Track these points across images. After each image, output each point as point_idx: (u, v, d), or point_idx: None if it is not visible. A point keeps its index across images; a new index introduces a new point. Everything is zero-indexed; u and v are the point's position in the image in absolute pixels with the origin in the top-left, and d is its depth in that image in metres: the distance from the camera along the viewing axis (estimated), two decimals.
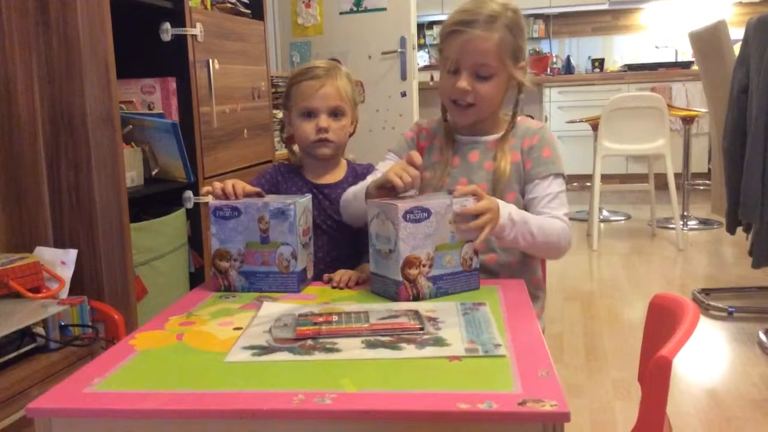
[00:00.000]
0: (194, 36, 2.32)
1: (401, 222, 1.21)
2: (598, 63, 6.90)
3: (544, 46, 7.10)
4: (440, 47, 1.49)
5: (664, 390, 0.91)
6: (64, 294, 1.78)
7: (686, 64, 6.40)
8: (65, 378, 0.92)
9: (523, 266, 1.50)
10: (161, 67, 2.30)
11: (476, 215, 1.27)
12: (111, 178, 1.90)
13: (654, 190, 4.61)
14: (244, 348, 1.01)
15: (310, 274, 1.39)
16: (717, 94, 3.21)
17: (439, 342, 1.01)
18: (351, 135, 1.64)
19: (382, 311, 1.16)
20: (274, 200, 1.33)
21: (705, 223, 4.78)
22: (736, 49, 2.77)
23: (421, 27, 7.01)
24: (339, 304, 1.24)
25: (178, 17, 2.28)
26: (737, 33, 2.81)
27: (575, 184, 6.01)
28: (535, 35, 7.07)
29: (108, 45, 1.86)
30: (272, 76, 3.18)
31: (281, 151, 3.24)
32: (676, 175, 4.27)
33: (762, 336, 2.65)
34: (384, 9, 4.47)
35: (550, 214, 1.43)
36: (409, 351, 0.98)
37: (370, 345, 1.01)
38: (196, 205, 2.33)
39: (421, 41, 7.05)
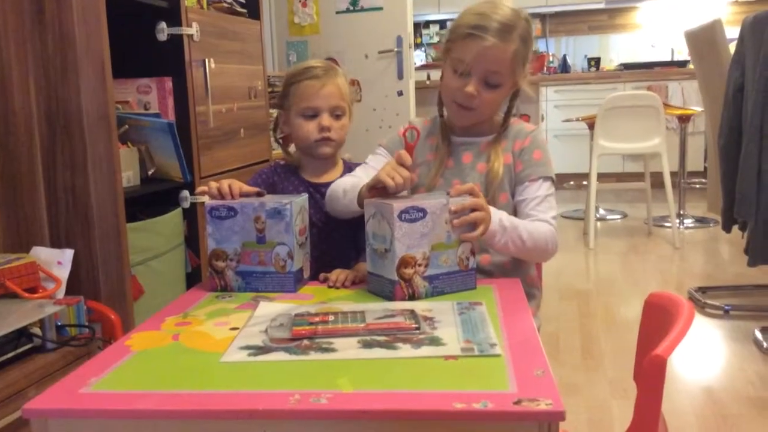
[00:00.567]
0: (190, 35, 2.31)
1: (396, 221, 1.21)
2: (595, 62, 6.91)
3: (540, 45, 7.11)
4: (449, 46, 1.47)
5: (659, 388, 0.92)
6: (60, 294, 1.78)
7: (682, 63, 6.41)
8: (61, 378, 0.92)
9: (516, 266, 1.50)
10: (157, 67, 2.29)
11: (471, 210, 1.27)
12: (107, 177, 1.89)
13: (650, 188, 4.62)
14: (241, 348, 1.01)
15: (306, 273, 1.39)
16: (713, 92, 3.21)
17: (435, 341, 1.02)
18: None
19: (378, 311, 1.16)
20: (270, 200, 1.34)
21: (701, 221, 4.79)
22: (732, 47, 2.77)
23: (418, 26, 7.01)
24: (335, 303, 1.24)
25: (174, 17, 2.28)
26: (733, 32, 2.82)
27: (572, 182, 6.02)
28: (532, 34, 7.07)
29: (104, 45, 1.86)
30: (269, 76, 3.17)
31: (278, 151, 3.24)
32: (673, 174, 4.28)
33: (758, 334, 2.66)
34: (380, 8, 4.48)
35: (538, 217, 1.44)
36: (405, 351, 0.99)
37: (367, 345, 1.01)
38: (193, 204, 2.33)
39: (418, 40, 7.05)
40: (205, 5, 2.60)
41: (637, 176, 5.31)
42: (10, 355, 1.53)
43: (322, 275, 1.40)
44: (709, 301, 3.05)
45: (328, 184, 1.58)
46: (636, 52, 6.89)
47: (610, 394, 2.25)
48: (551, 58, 7.06)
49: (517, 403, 0.81)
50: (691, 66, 5.80)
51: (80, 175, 1.90)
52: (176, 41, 2.28)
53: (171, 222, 2.22)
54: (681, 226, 4.65)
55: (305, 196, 1.41)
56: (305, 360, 0.96)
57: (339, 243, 1.55)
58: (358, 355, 0.98)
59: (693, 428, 2.03)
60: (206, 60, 2.40)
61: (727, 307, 2.97)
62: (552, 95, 6.45)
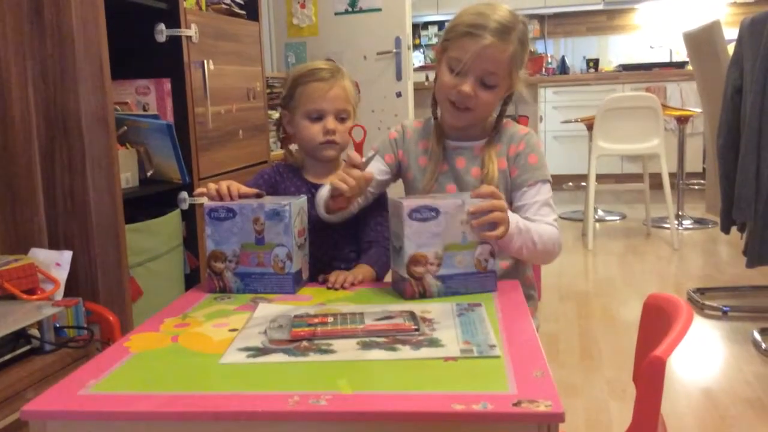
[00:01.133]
0: (189, 37, 2.31)
1: (406, 220, 1.22)
2: (593, 63, 6.92)
3: (539, 46, 7.11)
4: (445, 45, 1.47)
5: (659, 390, 0.92)
6: (59, 295, 1.78)
7: (681, 64, 6.41)
8: (60, 380, 0.92)
9: (514, 267, 1.51)
10: (156, 68, 2.29)
11: (490, 211, 1.27)
12: (106, 179, 1.89)
13: (649, 189, 4.62)
14: (240, 349, 1.01)
15: (305, 275, 1.39)
16: (711, 94, 3.22)
17: (434, 343, 1.02)
18: None
19: (377, 312, 1.16)
20: (269, 201, 1.34)
21: (700, 222, 4.79)
22: (731, 49, 2.77)
23: (416, 27, 7.01)
24: (334, 305, 1.24)
25: (172, 18, 2.28)
26: (731, 33, 2.82)
27: (570, 183, 6.03)
28: (530, 35, 7.06)
29: (102, 46, 1.86)
30: (267, 77, 3.17)
31: (276, 152, 3.24)
32: (671, 175, 4.28)
33: (756, 335, 2.66)
34: (379, 9, 4.48)
35: (541, 221, 1.44)
36: (405, 352, 0.99)
37: (366, 346, 1.01)
38: (191, 206, 2.33)
39: (417, 41, 7.06)
40: (203, 7, 2.60)
41: (636, 177, 5.31)
42: (8, 356, 1.53)
43: (321, 276, 1.40)
44: (708, 302, 3.05)
45: None
46: (634, 54, 6.90)
47: (609, 395, 2.25)
48: (550, 60, 7.06)
49: (517, 404, 0.81)
50: (689, 67, 5.80)
51: (79, 176, 1.90)
52: (175, 42, 2.28)
53: (169, 223, 2.22)
54: (680, 227, 4.65)
55: (304, 198, 1.41)
56: (304, 361, 0.96)
57: (339, 244, 1.55)
58: (358, 357, 0.97)
59: (691, 429, 2.03)
60: (205, 61, 2.40)
61: (725, 308, 2.97)
62: (550, 96, 6.45)
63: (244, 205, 1.32)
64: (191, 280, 2.35)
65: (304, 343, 1.03)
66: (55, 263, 1.84)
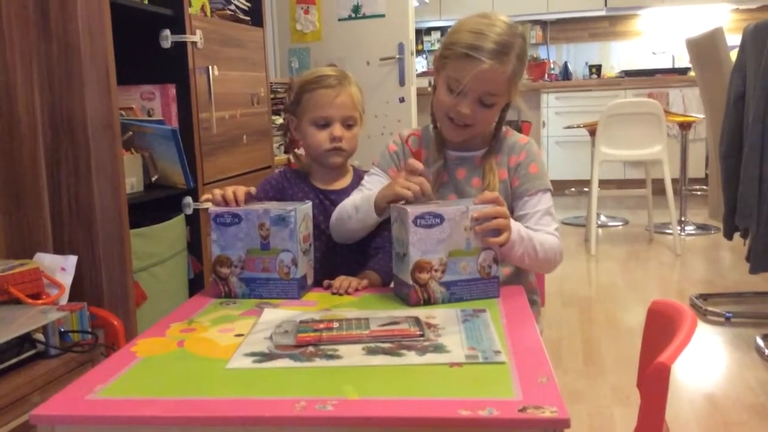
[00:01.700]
0: (194, 43, 2.33)
1: (411, 227, 1.23)
2: (596, 69, 6.93)
3: (541, 52, 7.12)
4: (443, 62, 1.45)
5: (663, 396, 0.92)
6: (63, 300, 1.78)
7: (683, 71, 6.42)
8: (65, 384, 0.93)
9: (517, 273, 1.51)
10: (161, 74, 2.30)
11: (493, 218, 1.28)
12: (111, 184, 1.90)
13: (651, 195, 4.62)
14: (246, 355, 1.02)
15: (310, 280, 1.40)
16: (714, 100, 3.22)
17: (439, 348, 1.02)
18: None
19: (382, 318, 1.16)
20: (274, 207, 1.34)
21: (702, 228, 4.79)
22: (733, 55, 2.78)
23: (419, 33, 7.03)
24: (339, 310, 1.24)
25: (178, 24, 2.29)
26: (734, 39, 2.83)
27: (573, 189, 6.03)
28: (533, 41, 7.09)
29: (108, 52, 1.87)
30: (271, 83, 3.18)
31: (280, 157, 3.26)
32: (674, 181, 4.29)
33: (759, 341, 2.66)
34: (382, 15, 4.49)
35: (543, 230, 1.44)
36: (410, 357, 0.99)
37: (371, 352, 1.02)
38: (196, 211, 2.33)
39: (420, 47, 7.08)
40: (208, 13, 2.62)
41: (639, 183, 5.32)
42: (13, 361, 1.53)
43: (325, 282, 1.41)
44: (711, 308, 3.05)
45: (337, 191, 1.59)
46: (637, 60, 6.91)
47: (612, 401, 2.25)
48: (552, 65, 7.07)
49: (522, 410, 0.81)
50: (692, 73, 5.82)
51: (84, 181, 1.91)
52: (180, 48, 2.30)
53: (174, 228, 2.23)
54: (682, 233, 4.65)
55: (309, 204, 1.41)
56: (310, 367, 0.97)
57: (346, 250, 1.55)
58: (363, 362, 0.98)
59: None
60: (210, 67, 2.41)
61: (728, 315, 2.97)
62: (553, 102, 6.46)
63: (250, 211, 1.33)
64: (195, 285, 2.36)
65: (310, 349, 1.03)
66: (60, 268, 1.85)
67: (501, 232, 1.28)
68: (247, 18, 2.88)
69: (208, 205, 1.39)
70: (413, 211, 1.23)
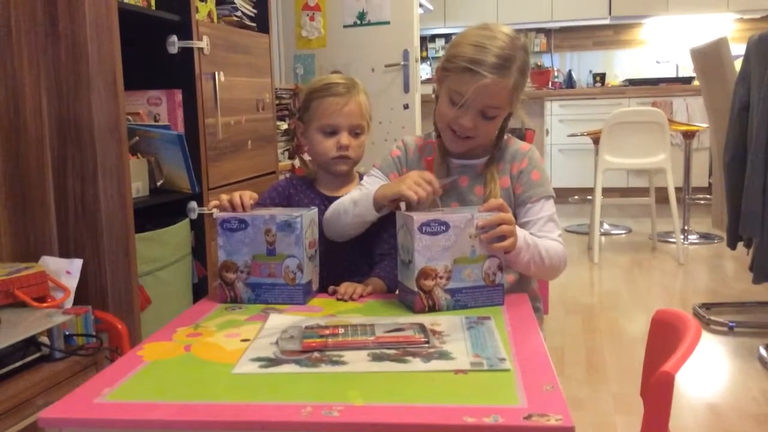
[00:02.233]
0: (201, 49, 2.34)
1: (417, 234, 1.23)
2: (600, 77, 6.94)
3: (545, 60, 7.14)
4: (445, 74, 1.45)
5: (667, 405, 0.92)
6: (68, 303, 1.79)
7: (687, 80, 6.43)
8: (69, 387, 0.94)
9: (519, 280, 1.51)
10: (168, 79, 2.32)
11: (498, 225, 1.28)
12: (117, 188, 1.91)
13: (655, 203, 4.63)
14: (252, 360, 1.02)
15: (315, 286, 1.41)
16: (718, 110, 3.23)
17: (444, 355, 1.03)
18: None
19: (387, 324, 1.17)
20: (280, 213, 1.35)
21: (705, 237, 4.79)
22: (737, 64, 2.79)
23: (424, 40, 7.05)
24: (344, 316, 1.25)
25: (185, 30, 2.30)
26: (738, 48, 2.84)
27: (576, 197, 6.03)
28: (537, 49, 7.11)
29: (116, 57, 1.88)
30: (276, 89, 3.20)
31: (284, 162, 3.26)
32: (677, 189, 4.29)
33: (762, 351, 2.66)
34: (387, 22, 4.50)
35: (547, 237, 1.45)
36: (415, 364, 1.00)
37: (376, 358, 1.02)
38: (200, 215, 2.34)
39: (424, 54, 7.09)
40: (215, 19, 2.63)
41: (642, 191, 5.32)
42: (18, 364, 1.54)
43: (331, 288, 1.41)
44: (714, 318, 3.04)
45: None
46: (641, 68, 6.92)
47: (615, 409, 2.25)
48: (556, 73, 7.09)
49: (528, 417, 0.81)
50: (695, 82, 5.82)
51: (90, 185, 1.91)
52: (187, 54, 2.31)
53: (179, 233, 2.24)
54: (685, 242, 4.65)
55: (315, 210, 1.42)
56: (316, 372, 0.97)
57: (352, 256, 1.56)
58: (369, 368, 0.98)
59: None
60: (216, 73, 2.43)
61: (731, 324, 2.97)
62: (557, 110, 6.47)
63: (256, 217, 1.33)
64: (199, 290, 2.37)
65: (316, 354, 1.04)
66: (66, 271, 1.86)
67: (506, 238, 1.29)
68: (253, 24, 2.90)
69: (215, 210, 1.40)
70: (419, 218, 1.24)
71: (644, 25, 6.92)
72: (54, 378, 1.56)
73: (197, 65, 2.33)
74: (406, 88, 4.55)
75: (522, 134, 2.56)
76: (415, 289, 1.25)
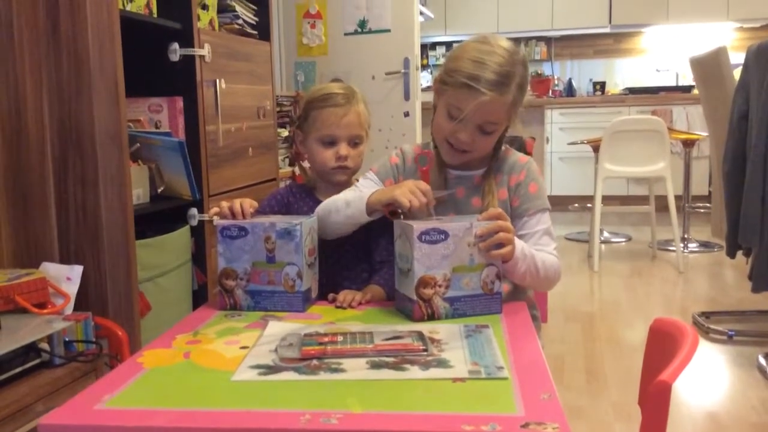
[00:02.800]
0: (202, 56, 2.35)
1: (416, 242, 1.24)
2: (600, 86, 6.96)
3: (546, 69, 7.16)
4: (444, 87, 1.45)
5: (664, 414, 0.93)
6: (69, 310, 1.79)
7: (687, 88, 6.45)
8: (69, 394, 0.94)
9: (515, 288, 1.51)
10: (169, 87, 2.32)
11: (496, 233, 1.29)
12: (117, 195, 1.92)
13: (655, 212, 4.63)
14: (251, 367, 1.03)
15: (314, 293, 1.41)
16: (717, 118, 3.24)
17: (442, 363, 1.03)
18: None
19: (386, 332, 1.17)
20: (280, 220, 1.35)
21: (705, 245, 4.79)
22: (737, 73, 2.80)
23: (424, 47, 7.07)
24: (343, 324, 1.25)
25: (186, 38, 2.31)
26: (738, 57, 2.85)
27: (576, 204, 6.04)
28: (537, 57, 7.14)
29: (117, 64, 1.89)
30: (277, 96, 3.21)
31: (285, 169, 3.27)
32: (677, 198, 4.29)
33: (762, 360, 2.66)
34: (388, 30, 4.52)
35: (543, 250, 1.45)
36: (414, 372, 1.00)
37: (375, 366, 1.02)
38: (201, 222, 2.35)
39: (425, 62, 7.11)
40: (217, 27, 2.64)
41: (642, 199, 5.33)
42: (18, 370, 1.54)
43: (330, 295, 1.42)
44: (713, 326, 3.05)
45: None
46: (641, 77, 6.94)
47: (614, 418, 2.25)
48: (556, 82, 7.11)
49: (525, 426, 0.82)
50: (695, 91, 5.83)
51: (91, 192, 1.92)
52: (188, 61, 2.32)
53: (179, 239, 2.24)
54: (685, 250, 4.65)
55: (315, 218, 1.43)
56: (315, 380, 0.98)
57: (351, 264, 1.56)
58: (367, 376, 0.99)
59: None
60: (217, 80, 2.44)
61: (730, 333, 2.97)
62: (557, 118, 6.49)
63: (256, 224, 1.34)
64: (198, 296, 2.37)
65: (315, 362, 1.04)
66: (66, 277, 1.86)
67: (504, 246, 1.30)
68: (255, 32, 2.91)
69: (215, 217, 1.40)
70: (418, 227, 1.24)
71: (644, 33, 6.95)
72: (54, 384, 1.56)
73: (198, 72, 2.34)
74: (407, 96, 4.56)
75: (522, 143, 2.57)
76: (414, 297, 1.25)
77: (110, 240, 1.92)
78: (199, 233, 2.38)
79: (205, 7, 2.53)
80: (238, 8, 2.78)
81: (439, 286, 1.26)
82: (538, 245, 1.46)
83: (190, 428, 0.85)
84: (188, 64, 2.32)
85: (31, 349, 1.58)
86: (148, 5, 2.22)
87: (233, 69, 2.59)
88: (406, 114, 4.57)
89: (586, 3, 6.68)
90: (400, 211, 1.38)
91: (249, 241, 1.34)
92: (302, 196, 1.63)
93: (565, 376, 2.62)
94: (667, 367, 0.96)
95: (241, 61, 2.68)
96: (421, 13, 5.18)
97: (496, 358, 1.05)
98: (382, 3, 4.50)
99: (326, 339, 1.13)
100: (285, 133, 3.45)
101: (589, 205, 4.95)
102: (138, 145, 2.17)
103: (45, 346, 1.61)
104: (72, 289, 1.85)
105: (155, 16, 2.25)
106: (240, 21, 2.79)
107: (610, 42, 7.08)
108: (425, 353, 1.07)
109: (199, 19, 2.41)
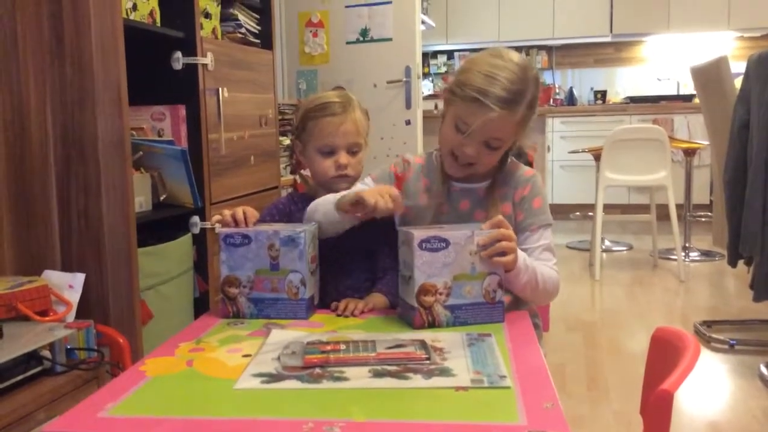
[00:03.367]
0: (205, 65, 2.36)
1: (417, 250, 1.24)
2: (601, 94, 6.97)
3: (547, 77, 7.17)
4: (452, 98, 1.44)
5: (666, 423, 0.93)
6: (70, 317, 1.79)
7: (688, 97, 6.46)
8: (70, 401, 0.94)
9: (517, 297, 1.51)
10: (172, 95, 2.33)
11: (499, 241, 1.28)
12: (120, 203, 1.92)
13: (656, 220, 4.63)
14: (254, 375, 1.03)
15: (316, 301, 1.41)
16: (718, 128, 3.24)
17: (445, 372, 1.03)
18: None
19: (388, 340, 1.17)
20: (283, 228, 1.36)
21: (706, 254, 4.79)
22: (738, 82, 2.81)
23: (426, 56, 7.09)
24: (345, 332, 1.26)
25: (189, 47, 2.32)
26: (739, 66, 2.86)
27: (577, 213, 6.04)
28: (538, 66, 7.15)
29: (121, 73, 1.89)
30: (279, 104, 3.21)
31: (287, 178, 3.28)
32: (678, 207, 4.29)
33: (763, 369, 2.65)
34: (390, 39, 4.54)
35: (545, 265, 1.46)
36: (416, 381, 1.00)
37: (378, 374, 1.03)
38: (202, 230, 2.35)
39: (426, 70, 7.13)
40: (219, 36, 2.65)
41: (643, 208, 5.33)
42: (20, 377, 1.54)
43: (333, 304, 1.42)
44: (715, 336, 3.04)
45: None
46: (642, 86, 6.96)
47: (615, 427, 2.24)
48: (557, 90, 7.12)
49: None
50: (696, 100, 5.85)
51: (93, 199, 1.92)
52: (191, 70, 2.33)
53: (181, 247, 2.24)
54: (686, 259, 4.65)
55: (316, 225, 1.43)
56: (318, 388, 0.98)
57: (354, 272, 1.56)
58: (370, 385, 0.99)
59: None
60: (219, 89, 2.44)
61: (732, 342, 2.96)
62: (558, 126, 6.50)
63: (260, 232, 1.34)
64: (200, 304, 2.37)
65: (317, 370, 1.04)
66: (68, 285, 1.86)
67: (506, 254, 1.30)
68: (257, 41, 2.92)
69: (217, 225, 1.40)
70: (419, 234, 1.25)
71: (645, 42, 6.96)
72: (55, 392, 1.56)
73: (201, 81, 2.35)
74: (408, 104, 4.57)
75: (523, 152, 2.58)
76: (415, 304, 1.25)
77: (112, 248, 1.93)
78: (200, 241, 2.38)
79: (208, 15, 2.55)
80: (240, 17, 2.79)
81: (440, 293, 1.26)
82: (540, 260, 1.46)
83: None
84: (191, 73, 2.33)
85: (32, 357, 1.58)
86: (151, 14, 2.23)
87: (236, 77, 2.60)
88: (408, 122, 4.58)
89: (588, 12, 6.70)
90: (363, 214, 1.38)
91: (252, 249, 1.34)
92: (304, 205, 1.63)
93: (567, 385, 2.62)
94: (669, 376, 0.96)
95: (244, 69, 2.69)
96: (423, 22, 5.20)
97: (498, 366, 1.05)
98: (383, 12, 4.53)
99: (329, 347, 1.13)
100: (287, 141, 3.46)
101: (590, 213, 4.95)
102: (141, 153, 2.18)
103: (47, 353, 1.61)
104: (74, 296, 1.85)
105: (158, 24, 2.27)
106: (243, 30, 2.81)
107: (611, 51, 7.10)
108: (428, 362, 1.07)
109: (202, 27, 2.43)
